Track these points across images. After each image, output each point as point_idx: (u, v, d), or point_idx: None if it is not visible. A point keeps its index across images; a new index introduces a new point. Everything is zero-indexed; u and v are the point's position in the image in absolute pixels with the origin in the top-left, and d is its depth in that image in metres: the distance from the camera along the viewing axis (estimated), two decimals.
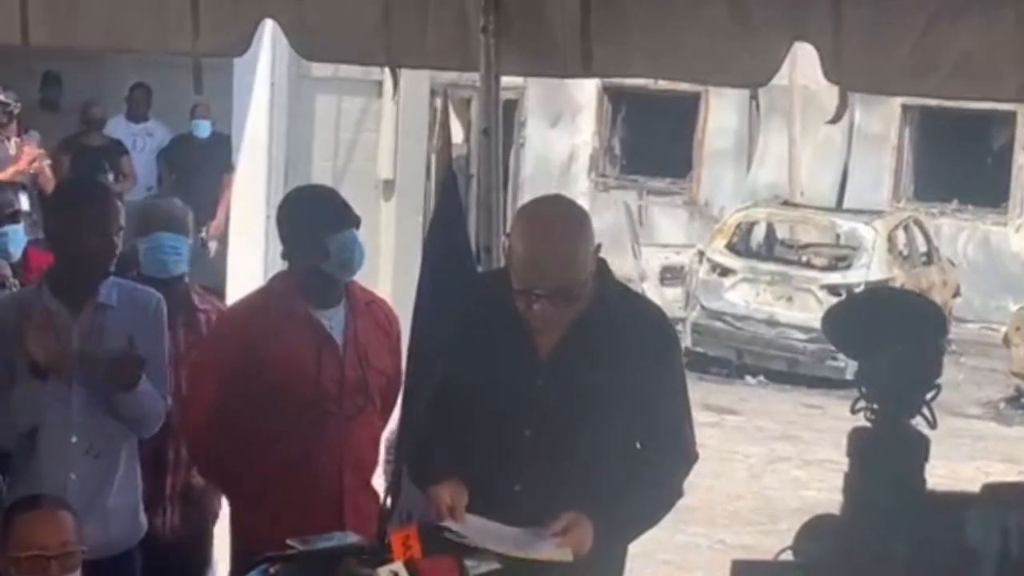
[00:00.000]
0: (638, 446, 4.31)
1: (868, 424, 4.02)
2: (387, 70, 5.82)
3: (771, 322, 15.46)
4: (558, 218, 4.22)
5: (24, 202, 10.43)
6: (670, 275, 16.32)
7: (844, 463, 4.06)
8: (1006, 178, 19.72)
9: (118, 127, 13.35)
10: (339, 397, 5.04)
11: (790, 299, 15.54)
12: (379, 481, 5.32)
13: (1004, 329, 15.30)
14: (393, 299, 5.82)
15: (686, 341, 14.87)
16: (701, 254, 16.20)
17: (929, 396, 3.98)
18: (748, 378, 15.30)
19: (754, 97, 19.92)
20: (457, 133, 13.94)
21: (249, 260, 9.79)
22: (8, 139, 11.44)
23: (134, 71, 13.20)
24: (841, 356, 11.90)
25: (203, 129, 13.08)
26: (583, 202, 18.12)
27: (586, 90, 20.90)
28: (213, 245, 12.52)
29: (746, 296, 15.74)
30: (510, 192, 17.84)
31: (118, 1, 5.52)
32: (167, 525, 5.42)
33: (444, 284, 5.01)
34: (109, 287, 4.93)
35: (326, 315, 5.07)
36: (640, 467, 4.26)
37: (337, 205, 5.13)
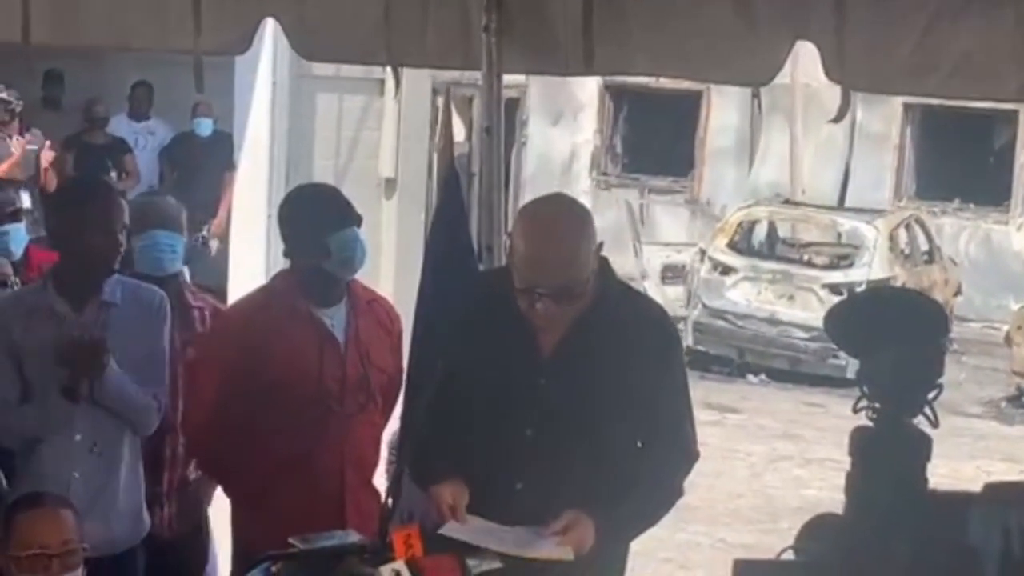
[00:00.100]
0: (639, 445, 4.31)
1: (870, 423, 4.03)
2: (389, 69, 5.82)
3: (772, 321, 15.46)
4: (560, 217, 4.22)
5: (26, 200, 10.44)
6: (671, 274, 16.32)
7: (845, 462, 4.06)
8: (1008, 177, 19.71)
9: (120, 125, 13.35)
10: (340, 395, 5.04)
11: (791, 298, 15.54)
12: (380, 480, 5.32)
13: (1006, 328, 15.30)
14: (395, 298, 5.83)
15: (688, 340, 14.88)
16: (703, 253, 16.20)
17: (931, 395, 3.99)
18: (749, 376, 15.30)
19: (756, 96, 19.91)
20: (459, 131, 13.95)
21: (251, 258, 9.80)
22: (10, 137, 11.46)
23: (136, 69, 13.19)
24: (842, 355, 11.89)
25: (205, 127, 13.08)
26: (585, 200, 18.09)
27: (588, 88, 20.91)
28: (215, 244, 12.52)
29: (747, 295, 15.73)
30: (512, 191, 17.85)
31: (121, 1, 5.52)
32: (164, 523, 5.42)
33: (446, 283, 5.01)
34: (113, 285, 4.93)
35: (327, 313, 5.07)
36: (641, 466, 4.26)
37: (338, 204, 5.13)
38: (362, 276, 5.26)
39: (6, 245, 6.96)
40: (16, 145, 11.40)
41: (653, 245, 17.16)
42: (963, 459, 11.45)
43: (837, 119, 4.82)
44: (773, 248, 16.96)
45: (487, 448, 4.23)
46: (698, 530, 9.72)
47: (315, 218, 5.03)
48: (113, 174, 12.23)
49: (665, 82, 16.56)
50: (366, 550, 4.07)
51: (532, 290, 4.11)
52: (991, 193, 19.73)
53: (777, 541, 4.18)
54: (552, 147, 21.41)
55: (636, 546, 4.44)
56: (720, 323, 15.65)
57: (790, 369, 15.23)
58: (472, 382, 4.27)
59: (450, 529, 4.07)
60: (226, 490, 5.28)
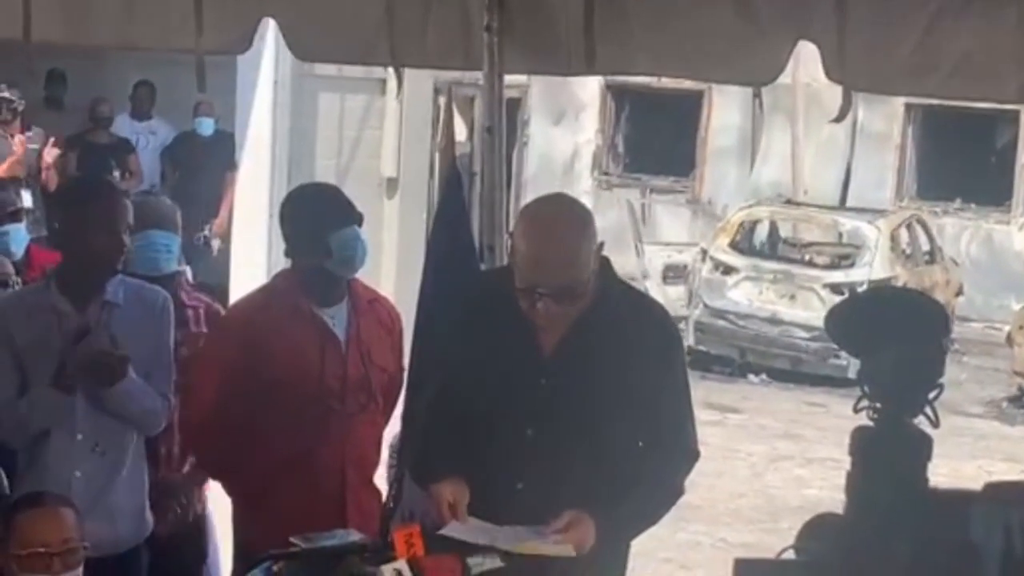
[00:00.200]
0: (640, 444, 4.31)
1: (871, 423, 4.03)
2: (391, 69, 5.82)
3: (774, 320, 15.46)
4: (561, 217, 4.22)
5: (27, 199, 10.44)
6: (673, 273, 16.31)
7: (846, 462, 4.07)
8: (1009, 177, 19.71)
9: (122, 125, 13.35)
10: (342, 394, 5.04)
11: (793, 297, 15.54)
12: (381, 479, 5.32)
13: (1007, 328, 15.30)
14: (396, 297, 5.83)
15: (689, 339, 14.88)
16: (704, 252, 16.20)
17: (932, 395, 3.99)
18: (751, 376, 15.30)
19: (757, 95, 19.91)
20: (460, 131, 13.95)
21: (252, 258, 9.80)
22: (12, 136, 11.46)
23: (138, 69, 13.20)
24: (844, 354, 11.90)
25: (206, 127, 13.08)
26: (586, 200, 18.09)
27: (589, 88, 20.91)
28: (216, 243, 12.53)
29: (749, 294, 15.73)
30: (513, 190, 17.86)
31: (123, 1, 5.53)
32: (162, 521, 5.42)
33: (447, 282, 5.02)
34: (116, 285, 4.93)
35: (329, 312, 5.07)
36: (642, 465, 4.26)
37: (339, 202, 5.13)
38: (363, 276, 5.27)
39: (6, 245, 6.96)
40: (18, 144, 11.39)
41: (655, 245, 17.16)
42: (964, 459, 11.45)
43: (838, 119, 4.82)
44: (774, 248, 16.95)
45: (488, 448, 4.23)
46: (699, 530, 9.72)
47: (316, 217, 5.03)
48: (116, 173, 12.23)
49: (667, 82, 16.56)
50: (367, 549, 4.07)
51: (533, 290, 4.11)
52: (992, 193, 19.72)
53: (778, 541, 4.18)
54: (554, 147, 21.41)
55: (637, 546, 4.44)
56: (721, 323, 15.66)
57: (791, 369, 15.23)
58: (473, 382, 4.27)
59: (451, 529, 4.08)
60: (227, 489, 5.29)
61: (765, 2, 4.72)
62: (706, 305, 15.76)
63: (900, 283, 14.71)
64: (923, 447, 4.00)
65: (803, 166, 19.60)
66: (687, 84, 17.24)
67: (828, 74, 4.63)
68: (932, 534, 3.91)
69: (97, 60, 12.78)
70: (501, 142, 5.40)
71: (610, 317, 4.22)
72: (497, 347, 4.24)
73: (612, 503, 4.14)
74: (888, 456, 3.95)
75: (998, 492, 4.07)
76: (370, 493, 5.14)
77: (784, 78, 5.07)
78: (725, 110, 20.61)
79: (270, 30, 5.57)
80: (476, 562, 3.95)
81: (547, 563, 4.03)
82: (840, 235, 16.95)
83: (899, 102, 19.28)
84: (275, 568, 4.01)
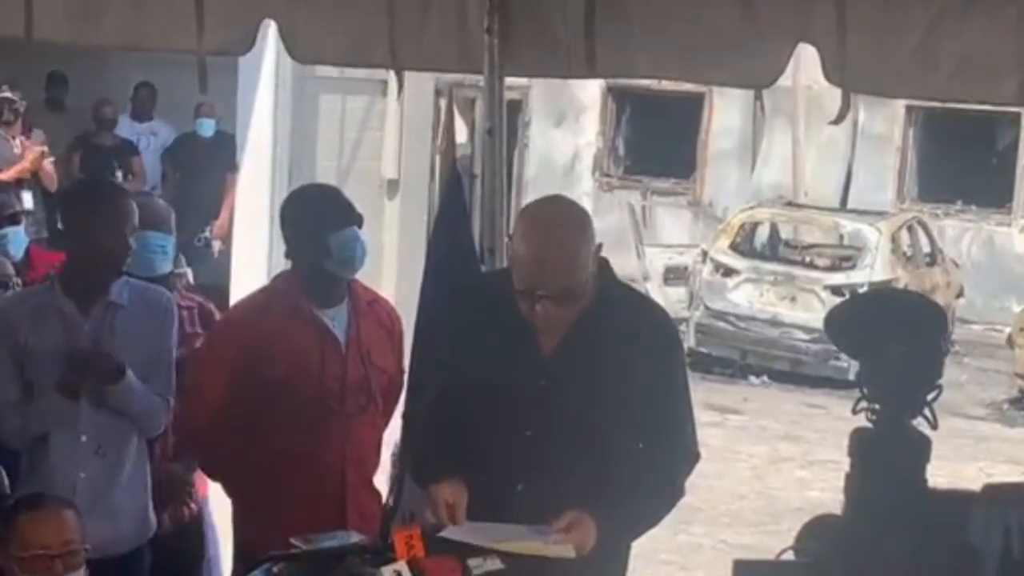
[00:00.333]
0: (640, 446, 4.32)
1: (870, 424, 4.04)
2: (391, 71, 5.83)
3: (774, 322, 15.46)
4: (559, 219, 4.22)
5: (28, 201, 10.45)
6: (674, 275, 16.32)
7: (847, 463, 4.07)
8: (1010, 179, 19.71)
9: (123, 126, 13.34)
10: (341, 395, 5.05)
11: (794, 299, 15.54)
12: (381, 480, 5.32)
13: (1008, 330, 15.30)
14: (397, 299, 5.84)
15: (690, 341, 14.89)
16: (705, 254, 16.20)
17: (930, 397, 3.99)
18: (751, 378, 15.31)
19: (758, 98, 19.77)
20: (461, 133, 13.98)
21: (253, 259, 9.80)
22: (13, 137, 11.46)
23: (139, 70, 13.21)
24: (844, 356, 11.90)
25: (207, 128, 13.08)
26: (587, 202, 18.15)
27: (590, 90, 20.90)
28: (217, 244, 12.52)
29: (750, 296, 15.74)
30: (514, 192, 17.86)
31: (125, 0, 5.53)
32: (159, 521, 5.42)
33: (448, 284, 5.02)
34: (120, 286, 4.94)
35: (328, 314, 5.08)
36: (642, 466, 4.26)
37: (339, 203, 5.14)
38: (364, 277, 5.27)
39: (5, 248, 6.97)
40: (27, 151, 11.34)
41: (655, 247, 17.16)
42: (965, 461, 11.45)
43: (837, 121, 4.83)
44: (775, 250, 16.96)
45: (488, 449, 4.24)
46: (699, 531, 9.72)
47: (316, 218, 5.04)
48: (119, 174, 12.23)
49: (667, 84, 16.52)
50: (367, 551, 4.08)
51: (532, 292, 4.12)
52: (993, 195, 19.72)
53: (779, 543, 4.19)
54: (554, 149, 21.41)
55: (637, 547, 4.45)
56: (722, 325, 15.66)
57: (792, 371, 15.24)
58: (472, 383, 4.27)
59: (451, 532, 4.08)
60: (227, 490, 5.29)
61: (765, 5, 4.73)
62: (707, 307, 15.76)
63: (901, 285, 14.71)
64: (922, 448, 4.01)
65: (804, 168, 19.61)
66: (688, 86, 17.23)
67: (828, 76, 4.63)
68: (931, 535, 3.92)
69: (98, 61, 12.77)
70: (502, 144, 5.41)
71: (609, 319, 4.23)
72: (497, 349, 4.24)
73: (612, 504, 4.14)
74: (887, 457, 3.96)
75: (997, 493, 4.08)
76: (370, 494, 5.14)
77: (785, 80, 5.07)
78: (726, 112, 20.61)
79: (271, 32, 5.58)
80: (476, 563, 3.96)
81: (547, 564, 4.03)
82: (841, 237, 16.96)
83: (900, 104, 19.28)
84: (275, 569, 4.02)
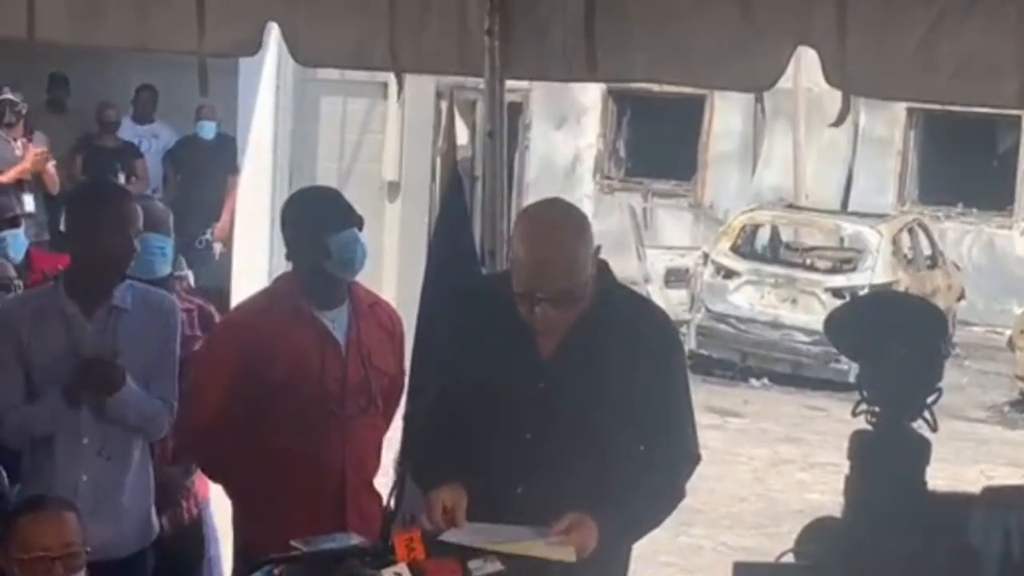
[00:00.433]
0: (641, 448, 4.32)
1: (870, 427, 4.04)
2: (392, 73, 5.83)
3: (775, 325, 15.46)
4: (557, 222, 4.22)
5: (29, 203, 10.45)
6: (674, 277, 16.32)
7: (847, 466, 4.07)
8: (1011, 181, 19.70)
9: (124, 129, 13.35)
10: (342, 397, 5.05)
11: (794, 302, 15.54)
12: (383, 482, 5.32)
13: (1008, 332, 15.30)
14: (397, 301, 5.84)
15: (690, 343, 14.88)
16: (706, 256, 16.20)
17: (930, 399, 4.00)
18: (752, 380, 15.30)
19: (759, 100, 19.73)
20: (462, 135, 13.97)
21: (254, 261, 9.83)
22: (14, 139, 11.46)
23: (140, 72, 13.22)
24: (844, 359, 11.89)
25: (208, 131, 13.09)
26: (588, 204, 18.18)
27: (591, 93, 20.89)
28: (218, 247, 12.53)
29: (750, 298, 15.74)
30: (515, 195, 17.86)
31: (127, 1, 5.53)
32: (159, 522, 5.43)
33: (448, 286, 5.02)
34: (124, 290, 4.94)
35: (329, 315, 5.08)
36: (643, 469, 4.26)
37: (339, 205, 5.15)
38: (364, 279, 5.28)
39: (5, 251, 6.98)
40: (28, 153, 11.34)
41: (656, 249, 17.16)
42: (966, 463, 11.44)
43: (837, 123, 4.83)
44: (776, 252, 16.96)
45: (488, 452, 4.24)
46: (700, 533, 9.72)
47: (316, 219, 5.04)
48: (122, 176, 12.23)
49: (668, 86, 16.54)
50: (367, 553, 4.08)
51: (531, 294, 4.12)
52: (994, 197, 19.71)
53: (779, 545, 4.19)
54: (555, 151, 21.41)
55: (637, 549, 4.44)
56: (723, 327, 15.66)
57: (793, 373, 15.23)
58: (472, 386, 4.27)
59: (451, 534, 4.08)
60: (227, 491, 5.30)
61: (765, 8, 4.73)
62: (708, 309, 15.76)
63: (902, 287, 14.70)
64: (922, 451, 4.01)
65: (805, 170, 19.60)
66: (688, 88, 17.19)
67: (828, 79, 4.63)
68: (931, 537, 3.92)
69: (99, 63, 12.79)
70: (503, 146, 5.41)
71: (609, 321, 4.23)
72: (496, 351, 4.24)
73: (613, 506, 4.14)
74: (887, 460, 3.96)
75: (996, 496, 4.08)
76: (370, 496, 5.14)
77: (785, 83, 5.08)
78: (727, 114, 20.60)
79: (273, 35, 5.59)
80: (476, 565, 3.96)
81: (548, 566, 4.03)
82: (842, 239, 16.95)
83: (901, 107, 19.28)
84: (275, 572, 4.02)
